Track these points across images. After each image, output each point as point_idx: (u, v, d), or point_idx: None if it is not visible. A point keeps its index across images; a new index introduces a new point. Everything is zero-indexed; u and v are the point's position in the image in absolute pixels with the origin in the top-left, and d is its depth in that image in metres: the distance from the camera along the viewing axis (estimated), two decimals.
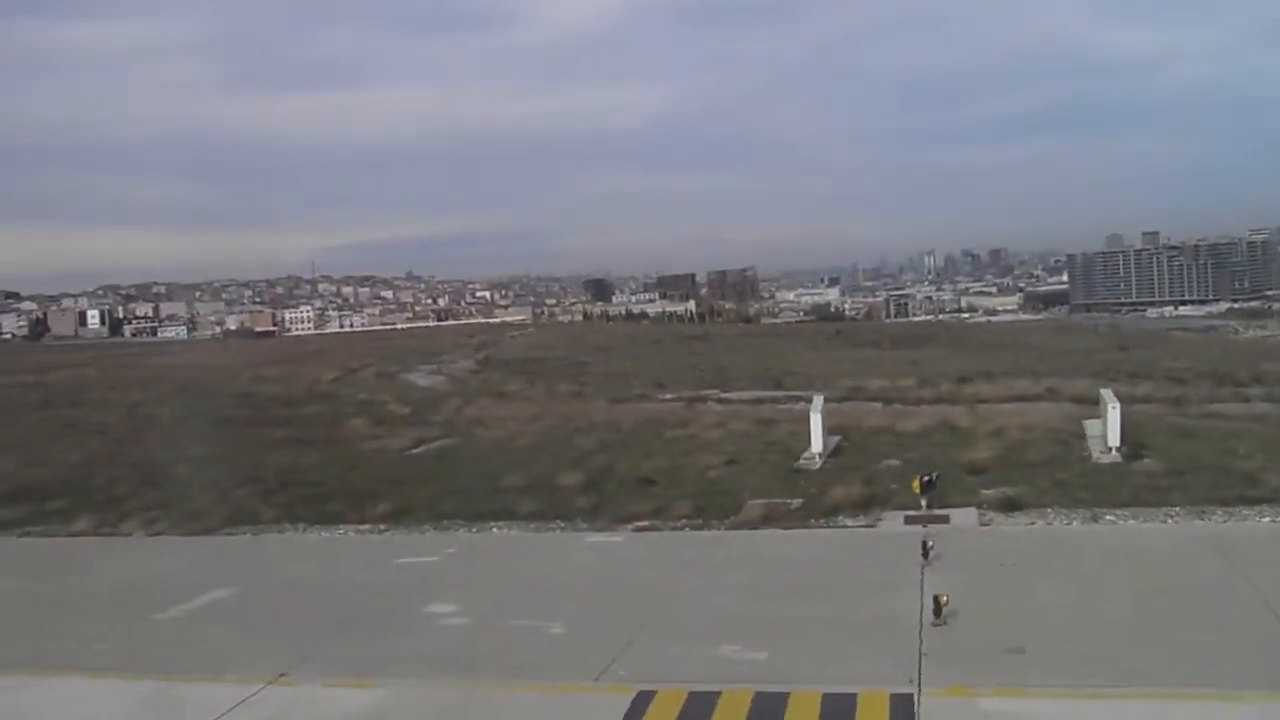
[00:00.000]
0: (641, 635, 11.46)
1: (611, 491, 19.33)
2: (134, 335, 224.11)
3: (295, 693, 10.26)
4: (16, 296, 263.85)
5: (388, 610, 12.84)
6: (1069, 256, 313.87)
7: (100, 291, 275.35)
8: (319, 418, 35.32)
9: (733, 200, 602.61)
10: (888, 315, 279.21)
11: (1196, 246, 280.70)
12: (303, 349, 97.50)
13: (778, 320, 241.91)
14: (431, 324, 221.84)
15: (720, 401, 36.69)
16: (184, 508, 19.42)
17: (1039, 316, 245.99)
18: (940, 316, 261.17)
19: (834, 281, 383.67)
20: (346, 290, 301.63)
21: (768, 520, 16.96)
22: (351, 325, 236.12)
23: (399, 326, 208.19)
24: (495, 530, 17.21)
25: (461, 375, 56.36)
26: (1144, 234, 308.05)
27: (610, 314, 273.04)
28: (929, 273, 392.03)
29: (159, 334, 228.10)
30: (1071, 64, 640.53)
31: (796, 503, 18.11)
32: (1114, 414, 21.53)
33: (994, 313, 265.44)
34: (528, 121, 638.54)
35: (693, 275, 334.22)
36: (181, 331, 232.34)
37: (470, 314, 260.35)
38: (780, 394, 37.38)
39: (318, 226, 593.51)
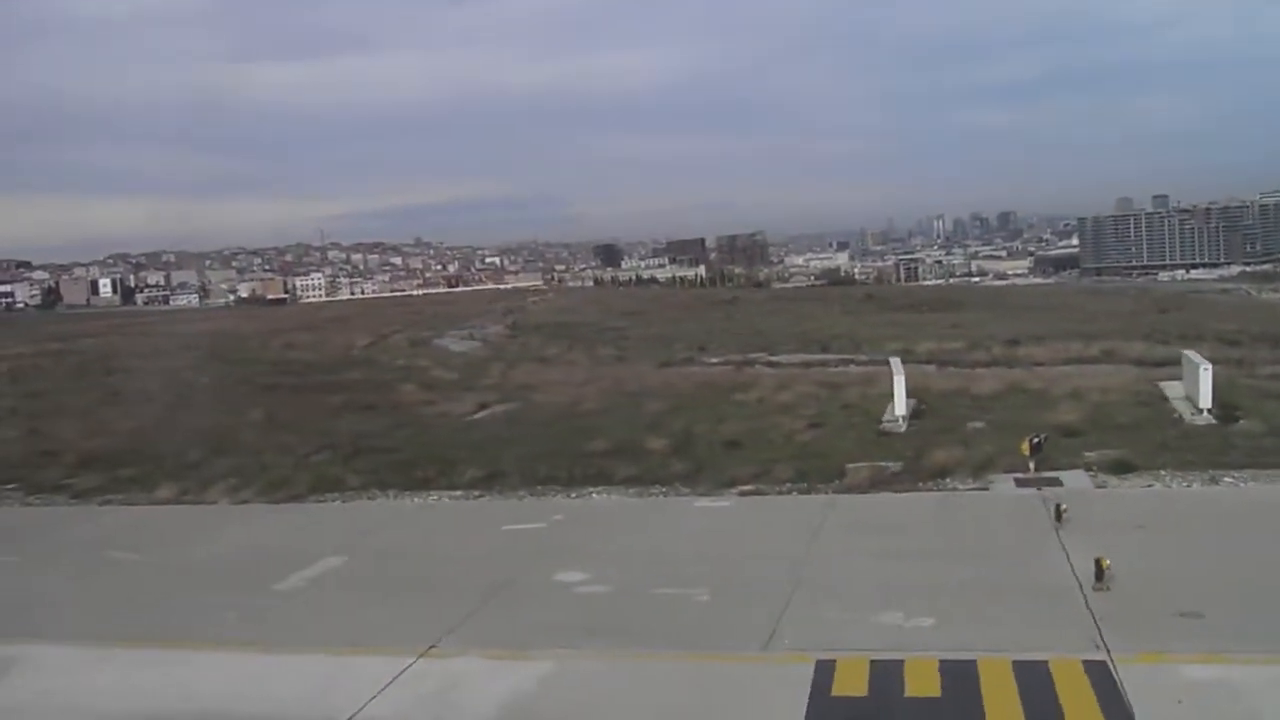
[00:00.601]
0: (795, 602, 11.05)
1: (703, 456, 18.89)
2: (146, 303, 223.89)
3: (452, 665, 9.85)
4: (28, 265, 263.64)
5: (515, 579, 12.43)
6: (1080, 220, 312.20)
7: (110, 260, 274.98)
8: (366, 383, 34.96)
9: (742, 165, 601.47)
10: (898, 279, 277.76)
11: (1208, 210, 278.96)
12: (323, 315, 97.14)
13: (789, 285, 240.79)
14: (443, 290, 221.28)
15: (770, 365, 36.26)
16: (263, 475, 19.04)
17: (1049, 280, 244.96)
18: (950, 280, 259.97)
19: (843, 246, 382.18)
20: (356, 257, 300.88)
21: (875, 484, 16.56)
22: (363, 292, 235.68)
23: (415, 293, 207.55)
24: (595, 496, 16.79)
25: (495, 340, 55.92)
26: (1154, 197, 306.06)
27: (620, 279, 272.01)
28: (938, 237, 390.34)
29: (171, 302, 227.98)
30: (1081, 24, 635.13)
31: (896, 465, 17.70)
32: (1205, 376, 21.11)
33: (1004, 276, 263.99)
34: (537, 86, 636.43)
35: (702, 240, 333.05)
36: (193, 299, 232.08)
37: (480, 280, 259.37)
38: (832, 357, 36.95)
39: (326, 194, 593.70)
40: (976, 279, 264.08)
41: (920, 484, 16.50)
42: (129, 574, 13.61)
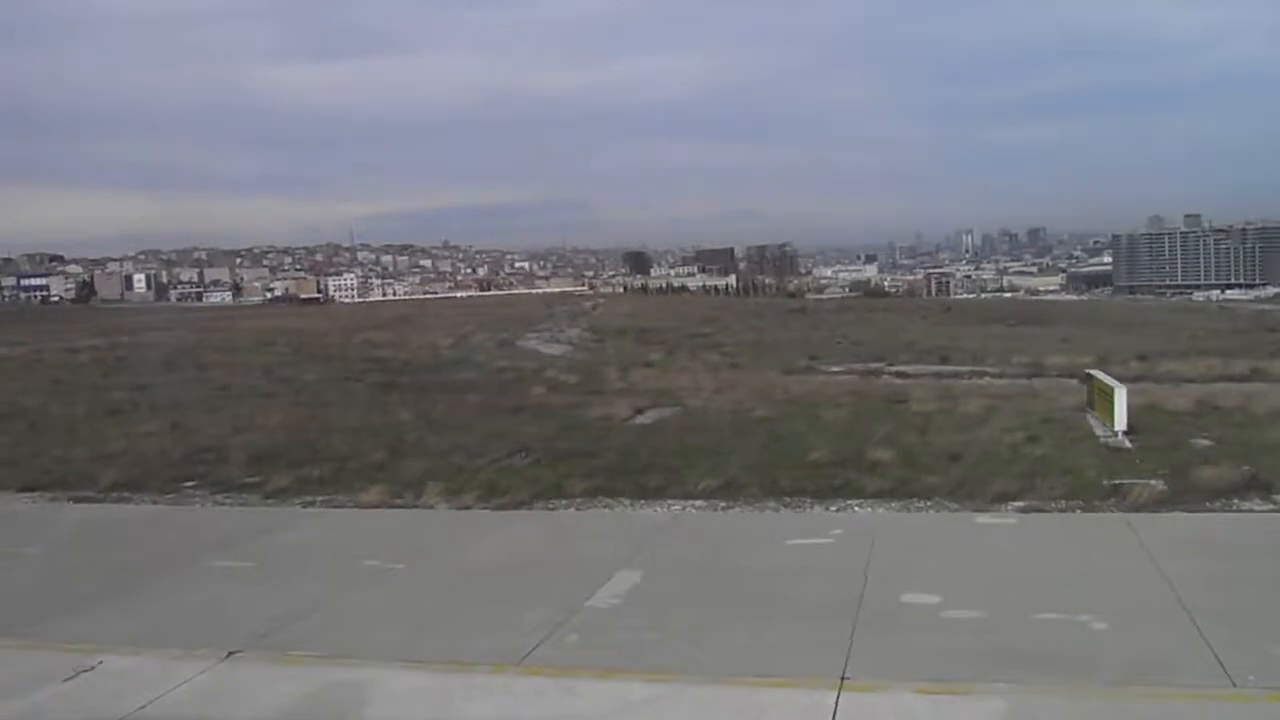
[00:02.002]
0: (1208, 631, 9.78)
1: (932, 467, 17.68)
2: (179, 300, 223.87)
3: (883, 700, 8.66)
4: (60, 260, 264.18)
5: (860, 600, 11.23)
6: (1114, 237, 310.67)
7: (142, 256, 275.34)
8: (487, 384, 33.89)
9: (769, 175, 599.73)
10: (929, 293, 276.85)
11: (1244, 229, 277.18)
12: (382, 315, 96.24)
13: (823, 296, 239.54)
14: (475, 293, 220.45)
15: (898, 376, 35.07)
16: (462, 478, 17.91)
17: (1083, 297, 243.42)
18: (983, 295, 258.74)
19: (870, 258, 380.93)
20: (386, 259, 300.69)
21: (1158, 503, 15.33)
22: (394, 293, 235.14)
23: (458, 295, 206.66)
24: (856, 509, 15.59)
25: (582, 343, 54.75)
26: (1186, 216, 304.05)
27: (651, 286, 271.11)
28: (966, 251, 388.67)
29: (204, 299, 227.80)
30: (1116, 43, 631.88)
31: (1158, 483, 16.47)
32: None
33: (1035, 293, 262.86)
34: (566, 91, 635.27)
35: (731, 250, 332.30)
36: (226, 297, 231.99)
37: (511, 284, 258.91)
38: (961, 369, 35.72)
39: (355, 194, 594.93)
40: (1009, 294, 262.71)
41: (1208, 505, 15.28)
42: (408, 586, 12.42)
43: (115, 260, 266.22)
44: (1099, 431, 20.84)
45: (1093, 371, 23.24)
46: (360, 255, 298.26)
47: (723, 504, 16.03)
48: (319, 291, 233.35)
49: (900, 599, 11.21)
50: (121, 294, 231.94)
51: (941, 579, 11.80)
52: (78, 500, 18.20)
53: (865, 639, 10.08)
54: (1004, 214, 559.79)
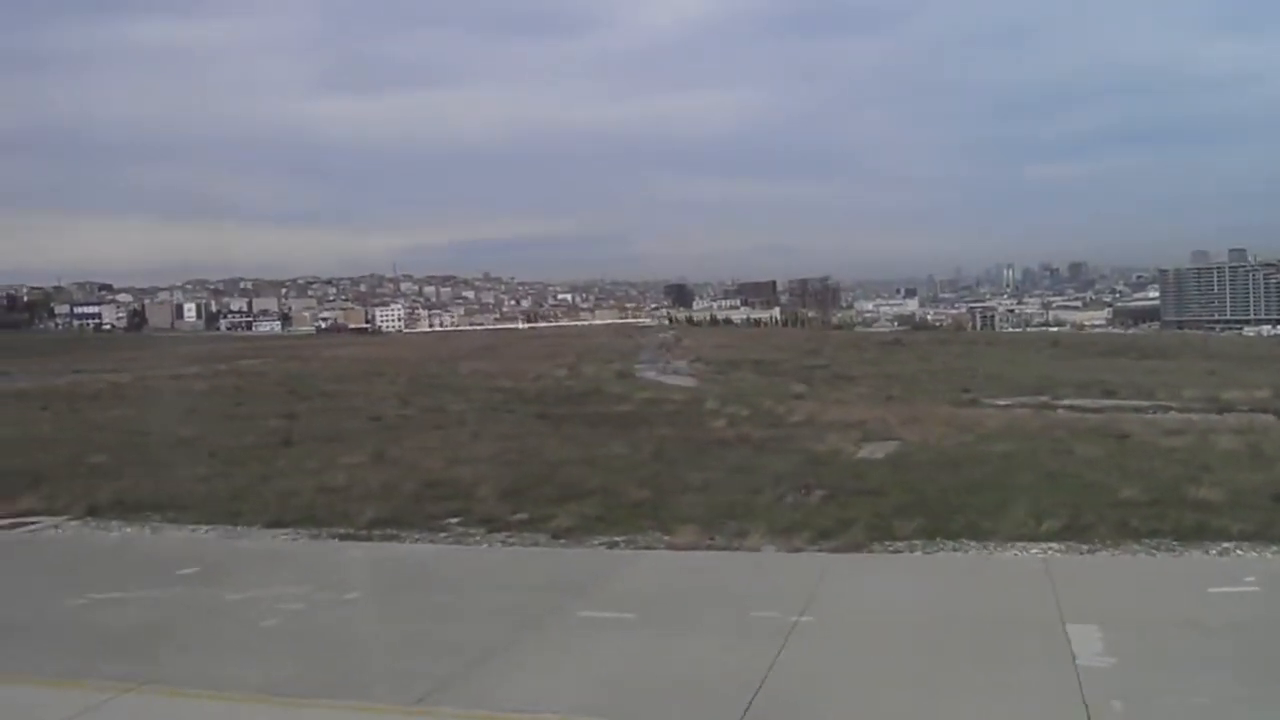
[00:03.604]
0: None
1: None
2: (229, 329, 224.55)
3: None
4: (109, 288, 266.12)
5: None
6: (1161, 272, 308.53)
7: (189, 286, 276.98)
8: (652, 416, 32.55)
9: (808, 209, 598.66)
10: (974, 327, 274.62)
11: None
12: (456, 345, 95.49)
13: (871, 330, 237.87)
14: (522, 325, 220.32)
15: (1070, 410, 33.57)
16: (774, 517, 16.60)
17: (1131, 331, 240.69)
18: (1027, 329, 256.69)
19: (910, 292, 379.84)
20: (429, 290, 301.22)
21: None
22: (440, 324, 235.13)
23: (509, 327, 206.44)
24: (1239, 553, 14.17)
25: (705, 375, 53.46)
26: (1230, 251, 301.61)
27: (694, 319, 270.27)
28: (1007, 285, 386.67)
29: (254, 328, 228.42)
30: (1159, 78, 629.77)
31: None
32: None
33: (1081, 327, 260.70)
34: (607, 126, 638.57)
35: (773, 282, 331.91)
36: (275, 326, 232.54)
37: (556, 316, 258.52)
38: (1129, 403, 34.22)
39: (396, 226, 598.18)
40: (1055, 328, 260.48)
41: None
42: (845, 642, 11.11)
43: (162, 289, 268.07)
44: None
45: None
46: (403, 286, 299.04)
47: (1084, 547, 14.64)
48: (366, 322, 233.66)
49: None
50: (171, 323, 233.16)
51: None
52: (341, 538, 17.01)
53: None
54: (1042, 248, 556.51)
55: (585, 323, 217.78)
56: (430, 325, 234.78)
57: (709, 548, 15.40)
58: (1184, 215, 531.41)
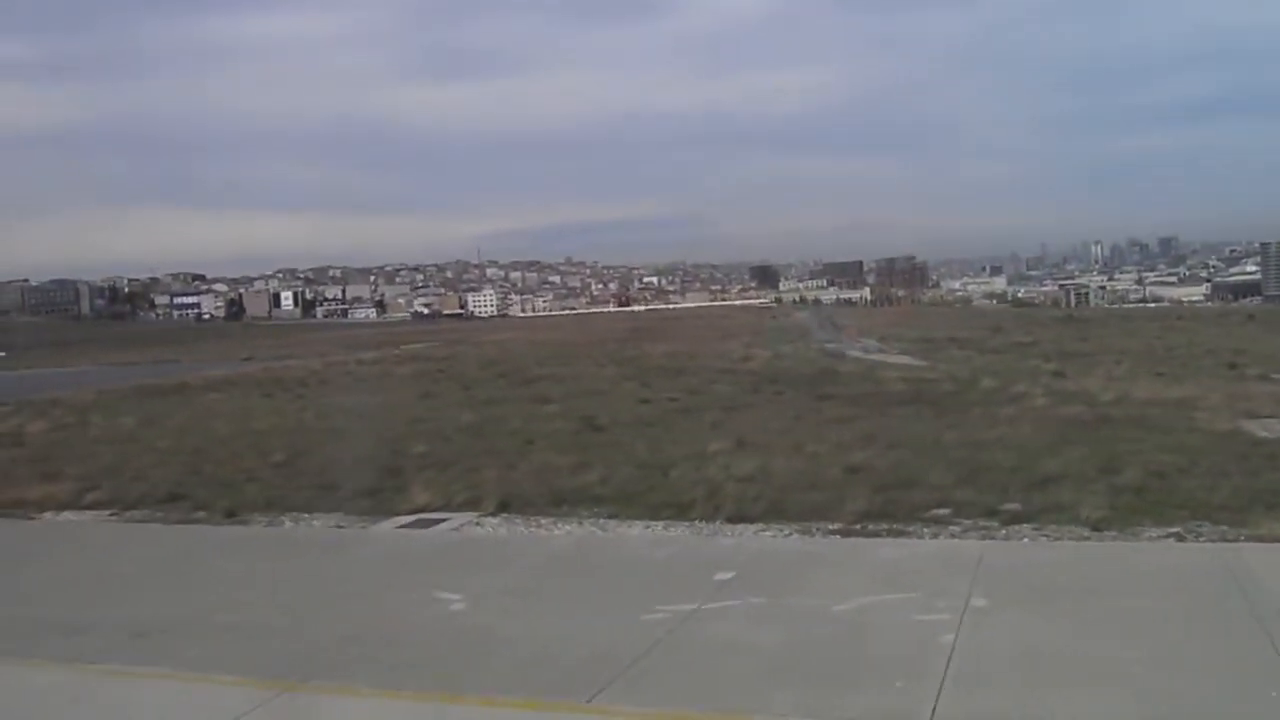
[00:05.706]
0: None
1: None
2: (325, 316, 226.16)
3: None
4: (203, 279, 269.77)
5: None
6: (1262, 245, 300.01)
7: (280, 275, 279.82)
8: (943, 396, 30.52)
9: (892, 186, 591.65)
10: (1067, 304, 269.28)
11: None
12: (594, 328, 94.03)
13: (973, 306, 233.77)
14: (615, 308, 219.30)
15: None
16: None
17: (1233, 306, 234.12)
18: (1124, 305, 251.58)
19: (996, 270, 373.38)
20: (515, 275, 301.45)
21: None
22: (534, 310, 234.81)
23: (604, 310, 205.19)
24: None
25: (918, 353, 51.37)
26: None
27: (782, 300, 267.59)
28: (1096, 262, 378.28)
29: (349, 315, 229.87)
30: (1257, 41, 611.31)
31: None
32: None
33: (1179, 302, 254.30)
34: (687, 107, 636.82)
35: (860, 262, 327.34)
36: (370, 313, 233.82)
37: (646, 299, 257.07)
38: None
39: (478, 212, 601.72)
40: (1152, 304, 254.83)
41: None
42: None
43: (253, 279, 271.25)
44: None
45: None
46: (489, 272, 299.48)
47: None
48: (460, 308, 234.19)
49: None
50: (269, 311, 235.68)
51: None
52: (832, 533, 15.11)
53: None
54: (1130, 223, 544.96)
55: (680, 305, 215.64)
56: (522, 310, 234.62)
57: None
58: (1274, 187, 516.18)
